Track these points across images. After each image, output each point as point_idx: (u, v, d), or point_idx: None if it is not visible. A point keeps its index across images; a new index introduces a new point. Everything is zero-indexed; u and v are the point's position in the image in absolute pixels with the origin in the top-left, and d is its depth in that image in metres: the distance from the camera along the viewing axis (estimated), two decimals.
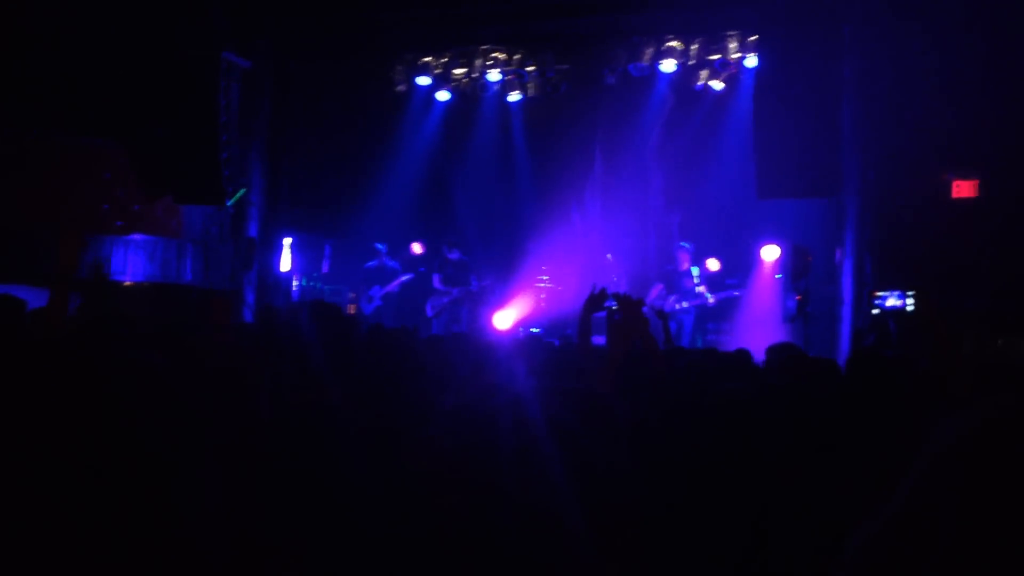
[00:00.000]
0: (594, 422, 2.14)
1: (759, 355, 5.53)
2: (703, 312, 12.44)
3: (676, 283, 12.19)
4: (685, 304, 12.14)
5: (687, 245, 12.40)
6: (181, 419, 2.49)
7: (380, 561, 2.22)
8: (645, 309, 4.21)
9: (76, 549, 2.05)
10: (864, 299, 9.93)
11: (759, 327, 12.37)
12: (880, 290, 9.65)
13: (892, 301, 9.40)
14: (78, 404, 2.53)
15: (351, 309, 13.66)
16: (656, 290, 12.39)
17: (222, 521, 2.16)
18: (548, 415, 1.83)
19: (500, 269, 13.98)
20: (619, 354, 3.50)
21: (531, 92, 13.90)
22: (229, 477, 2.24)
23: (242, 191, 12.84)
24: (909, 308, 9.39)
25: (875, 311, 9.63)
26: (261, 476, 2.27)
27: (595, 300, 4.28)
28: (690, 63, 12.47)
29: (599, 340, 8.17)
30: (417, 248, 14.59)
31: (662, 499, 2.25)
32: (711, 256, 12.88)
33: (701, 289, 12.11)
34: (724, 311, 13.04)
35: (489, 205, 14.89)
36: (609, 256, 13.46)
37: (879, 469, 2.01)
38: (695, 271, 12.12)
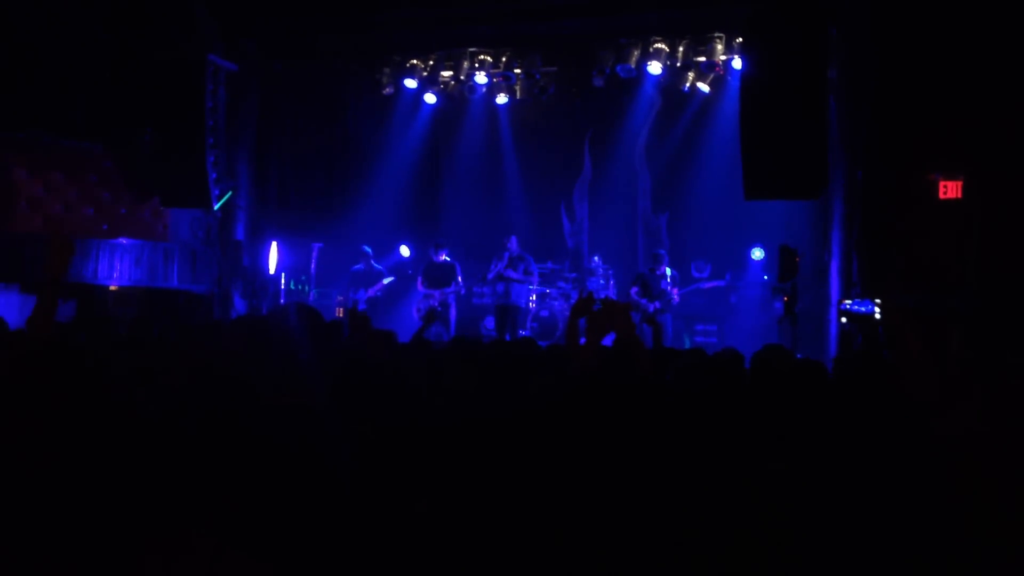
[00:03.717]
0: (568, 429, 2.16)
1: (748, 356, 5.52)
2: (677, 311, 12.55)
3: (651, 285, 12.22)
4: (660, 309, 12.19)
5: (662, 251, 12.48)
6: (163, 419, 2.48)
7: (364, 560, 2.21)
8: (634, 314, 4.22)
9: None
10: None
11: (747, 328, 12.42)
12: (849, 298, 9.71)
13: (859, 309, 9.46)
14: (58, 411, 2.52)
15: (340, 312, 13.62)
16: (633, 292, 12.42)
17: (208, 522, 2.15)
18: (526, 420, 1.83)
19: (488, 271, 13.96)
20: (589, 355, 3.51)
21: (519, 94, 13.89)
22: (214, 477, 2.23)
23: (229, 194, 12.81)
24: (876, 316, 9.44)
25: (843, 319, 9.68)
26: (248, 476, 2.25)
27: (583, 304, 4.28)
28: (677, 65, 12.49)
29: None
30: (405, 251, 14.57)
31: (642, 499, 2.24)
32: (699, 257, 12.92)
33: (675, 291, 12.20)
34: (713, 313, 13.08)
35: (477, 207, 14.89)
36: (596, 258, 13.46)
37: (860, 472, 2.01)
38: (668, 271, 12.17)
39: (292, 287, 13.88)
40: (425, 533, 2.23)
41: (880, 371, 3.77)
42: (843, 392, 3.24)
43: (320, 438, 2.44)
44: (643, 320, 11.88)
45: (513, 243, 12.82)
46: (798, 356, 7.76)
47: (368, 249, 13.49)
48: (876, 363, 3.56)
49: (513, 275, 12.66)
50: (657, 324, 11.96)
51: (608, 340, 4.16)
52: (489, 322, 13.67)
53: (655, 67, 12.33)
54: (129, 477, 2.28)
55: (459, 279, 12.86)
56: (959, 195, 9.66)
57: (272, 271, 13.42)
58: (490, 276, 12.79)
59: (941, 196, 9.73)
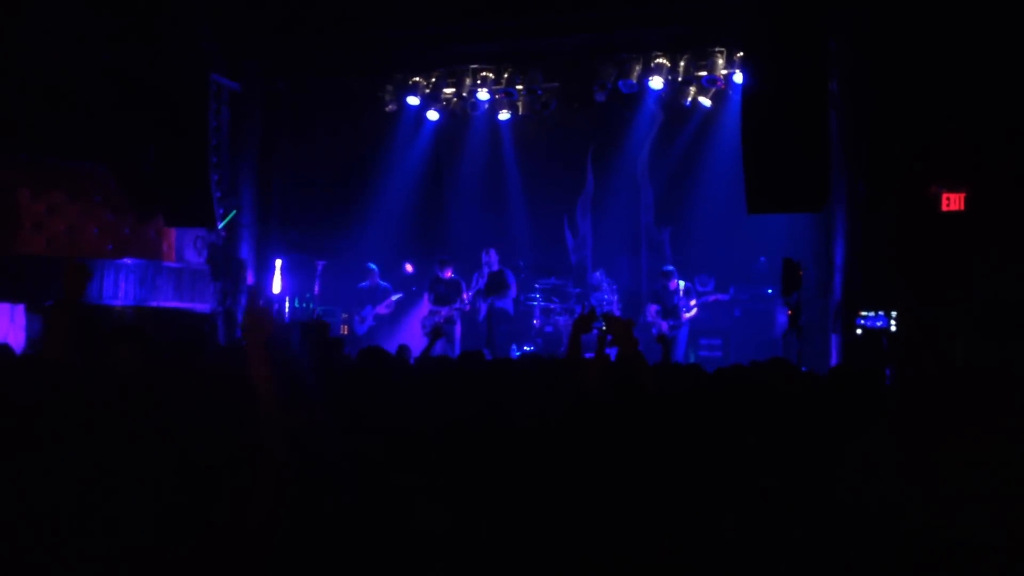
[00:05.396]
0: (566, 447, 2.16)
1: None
2: (693, 326, 12.59)
3: (665, 301, 12.26)
4: (676, 324, 12.23)
5: (671, 268, 12.51)
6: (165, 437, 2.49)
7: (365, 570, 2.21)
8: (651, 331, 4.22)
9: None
10: (855, 314, 9.94)
11: (752, 342, 12.41)
12: (865, 310, 9.70)
13: (874, 323, 9.48)
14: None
15: (344, 330, 13.64)
16: (652, 310, 12.48)
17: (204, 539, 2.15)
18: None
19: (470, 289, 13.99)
20: (592, 370, 3.53)
21: (521, 110, 13.93)
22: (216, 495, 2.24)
23: (233, 213, 12.84)
24: (892, 329, 9.44)
25: (859, 331, 9.68)
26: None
27: (584, 320, 4.29)
28: (678, 79, 12.52)
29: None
30: (409, 268, 14.59)
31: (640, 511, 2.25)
32: (702, 271, 12.91)
33: (693, 303, 12.23)
34: (717, 327, 13.06)
35: (480, 223, 14.92)
36: (600, 273, 13.49)
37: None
38: (681, 284, 12.20)
39: (297, 305, 13.90)
40: (425, 546, 2.23)
41: (878, 386, 3.77)
42: (841, 405, 3.24)
43: (323, 453, 2.44)
44: (658, 340, 12.05)
45: (493, 257, 12.89)
46: (803, 369, 7.77)
47: (374, 266, 13.52)
48: (876, 378, 3.57)
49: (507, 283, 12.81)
50: (667, 341, 12.06)
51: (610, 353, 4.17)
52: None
53: (656, 82, 12.36)
54: (133, 490, 2.29)
55: (464, 296, 12.88)
56: (961, 207, 9.66)
57: (277, 290, 13.44)
58: (469, 295, 12.85)
59: (944, 208, 9.73)
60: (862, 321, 9.60)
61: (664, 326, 12.16)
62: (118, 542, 2.19)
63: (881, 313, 9.50)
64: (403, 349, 7.89)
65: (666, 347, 11.47)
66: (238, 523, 2.20)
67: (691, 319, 12.46)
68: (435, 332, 8.36)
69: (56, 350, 3.30)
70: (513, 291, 13.13)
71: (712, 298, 12.46)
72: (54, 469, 2.39)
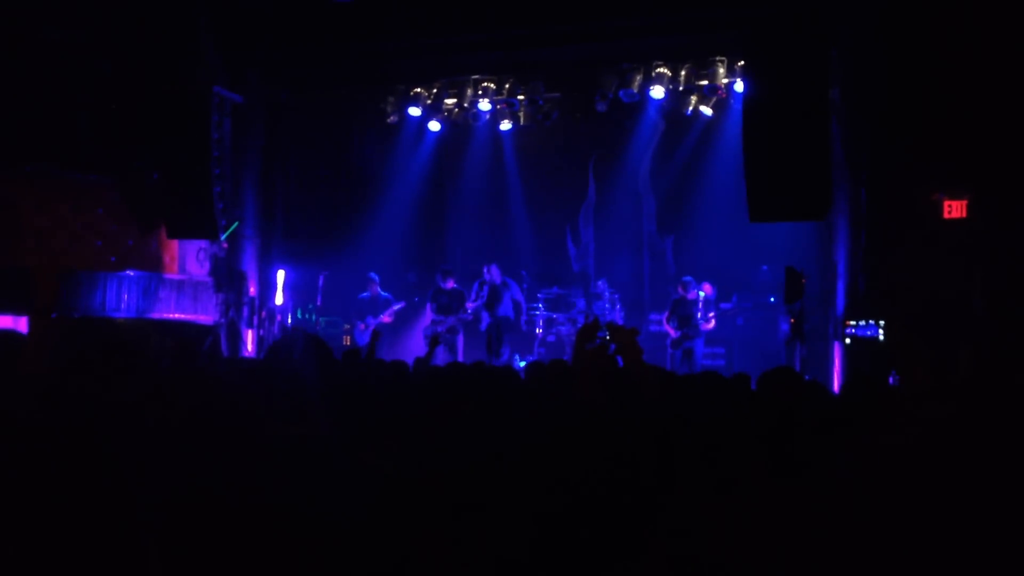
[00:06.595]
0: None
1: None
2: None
3: (683, 312, 12.25)
4: (692, 334, 12.23)
5: (690, 279, 12.46)
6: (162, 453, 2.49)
7: None
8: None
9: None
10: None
11: (756, 350, 12.40)
12: (853, 319, 9.71)
13: (864, 333, 9.51)
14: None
15: (346, 340, 13.64)
16: (658, 319, 12.58)
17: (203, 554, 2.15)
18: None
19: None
20: (596, 381, 3.52)
21: (522, 121, 13.93)
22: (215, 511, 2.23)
23: (236, 224, 12.86)
24: (881, 338, 9.46)
25: (847, 340, 9.69)
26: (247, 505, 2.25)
27: (588, 330, 4.28)
28: (680, 89, 12.54)
29: None
30: (411, 278, 14.61)
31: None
32: (705, 280, 12.91)
33: (712, 315, 12.25)
34: (721, 335, 13.06)
35: (482, 233, 14.94)
36: (602, 282, 13.49)
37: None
38: (702, 294, 12.22)
39: (299, 316, 13.90)
40: (432, 563, 2.22)
41: (884, 396, 3.77)
42: (849, 415, 3.24)
43: (326, 467, 2.44)
44: (673, 348, 12.12)
45: (494, 272, 12.90)
46: (806, 378, 7.74)
47: (375, 276, 13.52)
48: (881, 388, 3.57)
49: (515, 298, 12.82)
50: (684, 350, 12.10)
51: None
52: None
53: (658, 91, 12.38)
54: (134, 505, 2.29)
55: (467, 305, 12.89)
56: (963, 214, 9.66)
57: (279, 300, 13.46)
58: (471, 307, 12.87)
59: (945, 215, 9.73)
60: (851, 331, 9.61)
61: (677, 335, 12.20)
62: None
63: (872, 322, 9.51)
64: (419, 362, 7.83)
65: (685, 355, 11.59)
66: (233, 537, 2.19)
67: (708, 331, 12.44)
68: (432, 340, 8.29)
69: (35, 364, 3.20)
70: (518, 296, 13.14)
71: (732, 309, 12.49)
72: (43, 480, 2.39)
